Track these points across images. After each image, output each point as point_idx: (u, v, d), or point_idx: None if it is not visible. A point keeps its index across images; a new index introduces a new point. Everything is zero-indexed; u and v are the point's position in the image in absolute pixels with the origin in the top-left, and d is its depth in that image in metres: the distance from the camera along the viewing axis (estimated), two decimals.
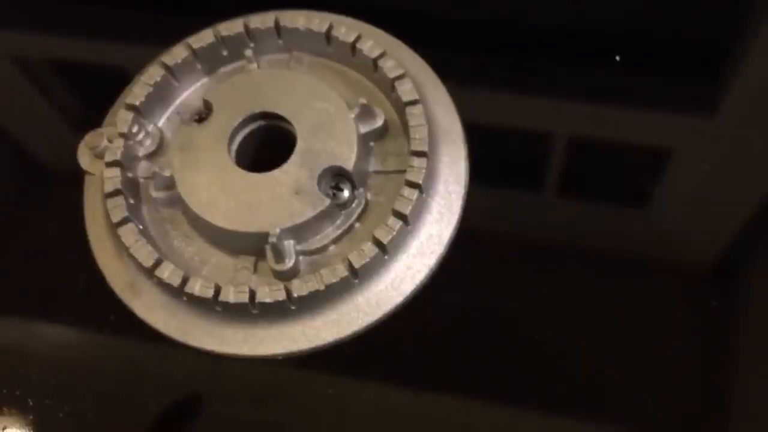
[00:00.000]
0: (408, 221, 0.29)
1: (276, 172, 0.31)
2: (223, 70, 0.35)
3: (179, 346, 0.30)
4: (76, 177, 0.34)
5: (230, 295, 0.29)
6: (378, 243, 0.29)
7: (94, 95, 0.39)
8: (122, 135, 0.32)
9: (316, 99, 0.32)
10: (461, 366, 0.30)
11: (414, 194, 0.29)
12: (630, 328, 0.30)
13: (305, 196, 0.30)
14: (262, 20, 0.34)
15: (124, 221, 0.30)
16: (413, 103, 0.31)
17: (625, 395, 0.29)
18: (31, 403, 0.30)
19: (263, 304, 0.29)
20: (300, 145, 0.31)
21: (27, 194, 0.38)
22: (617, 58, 0.36)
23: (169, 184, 0.31)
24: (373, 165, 0.32)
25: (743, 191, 0.34)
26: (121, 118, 0.32)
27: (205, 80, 0.35)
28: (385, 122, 0.32)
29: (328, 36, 0.34)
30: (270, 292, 0.28)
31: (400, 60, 0.33)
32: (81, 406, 0.31)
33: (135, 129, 0.33)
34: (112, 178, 0.31)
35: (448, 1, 0.40)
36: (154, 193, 0.32)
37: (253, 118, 0.32)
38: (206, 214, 0.30)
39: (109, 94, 0.36)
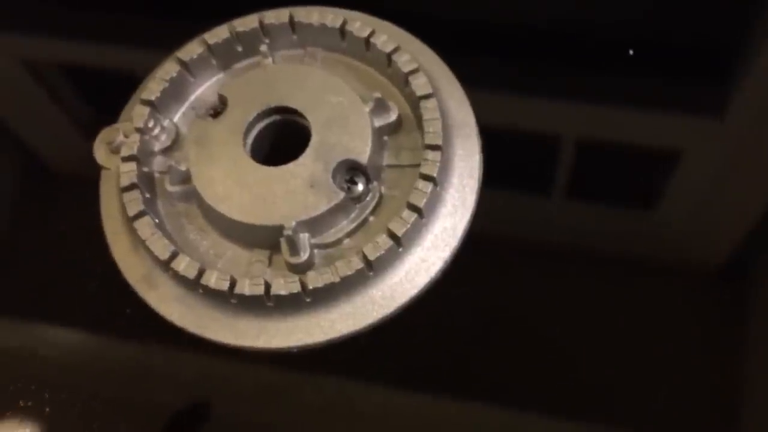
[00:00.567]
0: (423, 214, 0.30)
1: (291, 166, 0.31)
2: (238, 65, 0.35)
3: (194, 339, 0.30)
4: (91, 175, 0.34)
5: (245, 288, 0.29)
6: (393, 235, 0.29)
7: (112, 97, 0.39)
8: (138, 130, 0.32)
9: (330, 93, 0.32)
10: (475, 359, 0.30)
11: (429, 187, 0.30)
12: (638, 329, 0.30)
13: (320, 189, 0.30)
14: (277, 16, 0.34)
15: (140, 215, 0.30)
16: (427, 97, 0.31)
17: (633, 397, 0.29)
18: (47, 396, 0.31)
19: (278, 297, 0.29)
20: (315, 138, 0.31)
21: (43, 192, 0.38)
22: (630, 52, 0.36)
23: (185, 178, 0.32)
24: (387, 159, 0.32)
25: (752, 193, 0.34)
26: (137, 113, 0.33)
27: (220, 76, 0.35)
28: (399, 116, 0.32)
29: (342, 31, 0.34)
30: (285, 285, 0.29)
31: (414, 55, 0.33)
32: (93, 400, 0.31)
33: (151, 124, 0.33)
34: (128, 172, 0.31)
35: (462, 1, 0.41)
36: (170, 188, 0.32)
37: (268, 112, 0.33)
38: (221, 207, 0.30)
39: (127, 95, 0.36)
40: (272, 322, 0.30)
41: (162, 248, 0.29)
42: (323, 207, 0.30)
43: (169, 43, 0.35)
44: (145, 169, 0.32)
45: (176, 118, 0.34)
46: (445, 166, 0.31)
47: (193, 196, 0.32)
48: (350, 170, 0.31)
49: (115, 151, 0.33)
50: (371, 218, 0.31)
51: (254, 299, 0.29)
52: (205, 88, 0.35)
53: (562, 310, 0.31)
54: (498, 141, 0.34)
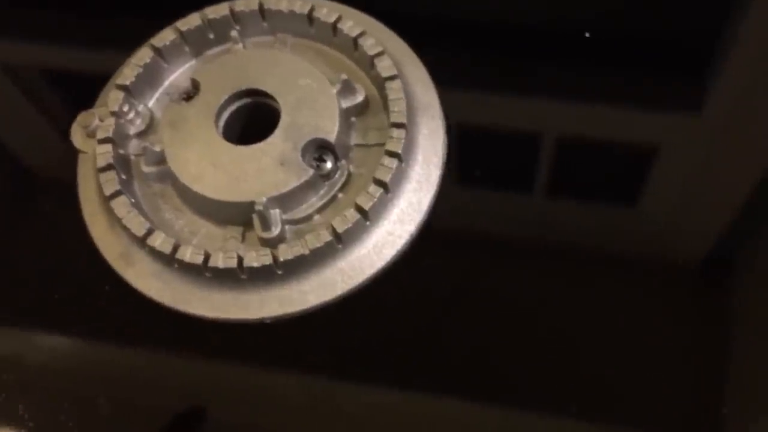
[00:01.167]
0: (388, 189, 0.31)
1: (261, 145, 0.32)
2: (210, 52, 0.37)
3: (172, 314, 0.31)
4: (69, 167, 0.35)
5: (219, 261, 0.30)
6: (360, 209, 0.30)
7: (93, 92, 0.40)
8: (113, 114, 0.33)
9: (299, 76, 0.34)
10: (439, 329, 0.31)
11: (394, 163, 0.31)
12: (616, 325, 0.31)
13: (290, 166, 0.31)
14: (247, 3, 0.35)
15: (116, 194, 0.31)
16: (392, 78, 0.33)
17: (611, 395, 0.30)
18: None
19: (251, 269, 0.30)
20: (284, 119, 0.32)
21: (23, 182, 0.39)
22: (587, 34, 0.37)
23: (160, 159, 0.33)
24: (354, 139, 0.34)
25: (732, 189, 0.34)
26: (111, 98, 0.34)
27: (192, 62, 0.36)
28: (366, 98, 0.34)
29: (310, 17, 0.35)
30: (257, 257, 0.30)
31: (380, 39, 0.34)
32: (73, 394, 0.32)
33: (125, 108, 0.34)
34: (104, 153, 0.32)
35: None
36: (146, 169, 0.33)
37: (240, 95, 0.34)
38: (195, 186, 0.32)
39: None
40: (246, 295, 0.31)
41: (138, 225, 0.31)
42: (293, 183, 0.31)
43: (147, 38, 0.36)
44: (121, 152, 0.33)
45: (151, 103, 0.36)
46: (410, 144, 0.32)
47: (168, 176, 0.33)
48: (319, 149, 0.32)
49: (91, 135, 0.34)
50: (340, 195, 0.32)
51: (228, 272, 0.30)
52: (178, 74, 0.36)
53: (523, 284, 0.32)
54: (464, 121, 0.36)
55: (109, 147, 0.32)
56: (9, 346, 0.34)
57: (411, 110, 0.33)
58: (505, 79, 0.38)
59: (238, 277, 0.30)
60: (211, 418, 0.31)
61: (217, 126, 0.33)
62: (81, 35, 0.41)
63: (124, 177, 0.33)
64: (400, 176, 0.32)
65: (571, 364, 0.30)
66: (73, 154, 0.35)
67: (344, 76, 0.33)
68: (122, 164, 0.33)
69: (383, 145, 0.32)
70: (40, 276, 0.35)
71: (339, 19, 0.35)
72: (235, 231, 0.32)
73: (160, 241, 0.30)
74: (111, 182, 0.32)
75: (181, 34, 0.35)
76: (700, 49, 0.39)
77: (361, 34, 0.34)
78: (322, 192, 0.32)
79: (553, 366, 0.30)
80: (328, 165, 0.32)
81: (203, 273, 0.30)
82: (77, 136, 0.34)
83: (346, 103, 0.33)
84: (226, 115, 0.34)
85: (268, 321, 0.31)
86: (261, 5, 0.35)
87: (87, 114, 0.35)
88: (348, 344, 0.32)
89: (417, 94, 0.34)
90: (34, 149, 0.40)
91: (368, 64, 0.34)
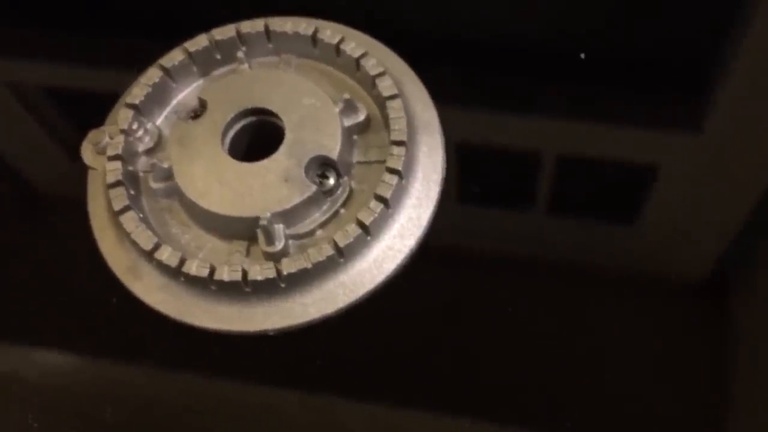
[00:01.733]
0: (389, 204, 0.32)
1: (266, 162, 0.33)
2: (217, 72, 0.38)
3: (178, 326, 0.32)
4: (79, 183, 0.36)
5: (224, 274, 0.31)
6: (361, 224, 0.31)
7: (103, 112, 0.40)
8: (123, 131, 0.34)
9: (303, 96, 0.35)
10: (438, 341, 0.32)
11: (394, 180, 0.32)
12: (615, 342, 0.31)
13: (293, 183, 0.32)
14: (253, 25, 0.37)
15: (125, 209, 0.32)
16: (393, 97, 0.34)
17: (610, 412, 0.30)
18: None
19: (255, 282, 0.31)
20: (288, 136, 0.33)
21: (35, 198, 0.40)
22: (582, 56, 0.38)
23: (168, 176, 0.34)
24: (357, 156, 0.35)
25: (731, 207, 0.35)
26: (121, 116, 0.35)
27: (200, 81, 0.38)
28: (368, 116, 0.35)
29: (314, 39, 0.36)
30: (261, 271, 0.31)
31: (381, 59, 0.35)
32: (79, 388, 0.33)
33: (135, 126, 0.35)
34: (114, 170, 0.33)
35: (429, 10, 0.43)
36: (154, 185, 0.34)
37: (245, 113, 0.35)
38: (202, 201, 0.33)
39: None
40: (249, 307, 0.32)
41: (146, 239, 0.32)
42: (297, 199, 0.32)
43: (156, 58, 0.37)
44: (130, 168, 0.34)
45: (159, 121, 0.37)
46: (410, 161, 0.33)
47: (175, 192, 0.34)
48: (322, 166, 0.33)
49: (101, 152, 0.35)
50: (342, 210, 0.33)
51: (233, 285, 0.31)
52: (186, 93, 0.37)
53: (522, 298, 0.33)
54: (463, 139, 0.36)
55: (118, 164, 0.33)
56: (18, 358, 0.35)
57: (411, 128, 0.34)
58: (504, 98, 0.39)
59: (243, 290, 0.31)
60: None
61: (223, 143, 0.34)
62: (92, 56, 0.43)
63: (132, 193, 0.34)
64: (400, 192, 0.33)
65: (570, 380, 0.31)
66: (83, 170, 0.36)
67: (347, 96, 0.34)
68: (131, 180, 0.34)
69: (384, 162, 0.33)
70: (50, 289, 0.35)
71: (342, 40, 0.36)
72: (240, 245, 0.33)
73: (167, 254, 0.31)
74: (120, 198, 0.33)
75: (189, 55, 0.36)
76: (699, 69, 0.39)
77: (363, 55, 0.35)
78: (324, 207, 0.33)
79: (551, 381, 0.31)
80: (331, 181, 0.33)
81: (209, 286, 0.31)
82: (87, 153, 0.36)
83: (348, 122, 0.34)
84: (232, 133, 0.35)
85: (271, 333, 0.32)
86: (267, 27, 0.37)
87: (97, 132, 0.36)
88: (348, 356, 0.32)
89: (417, 113, 0.36)
90: (46, 166, 0.41)
91: (370, 83, 0.35)
